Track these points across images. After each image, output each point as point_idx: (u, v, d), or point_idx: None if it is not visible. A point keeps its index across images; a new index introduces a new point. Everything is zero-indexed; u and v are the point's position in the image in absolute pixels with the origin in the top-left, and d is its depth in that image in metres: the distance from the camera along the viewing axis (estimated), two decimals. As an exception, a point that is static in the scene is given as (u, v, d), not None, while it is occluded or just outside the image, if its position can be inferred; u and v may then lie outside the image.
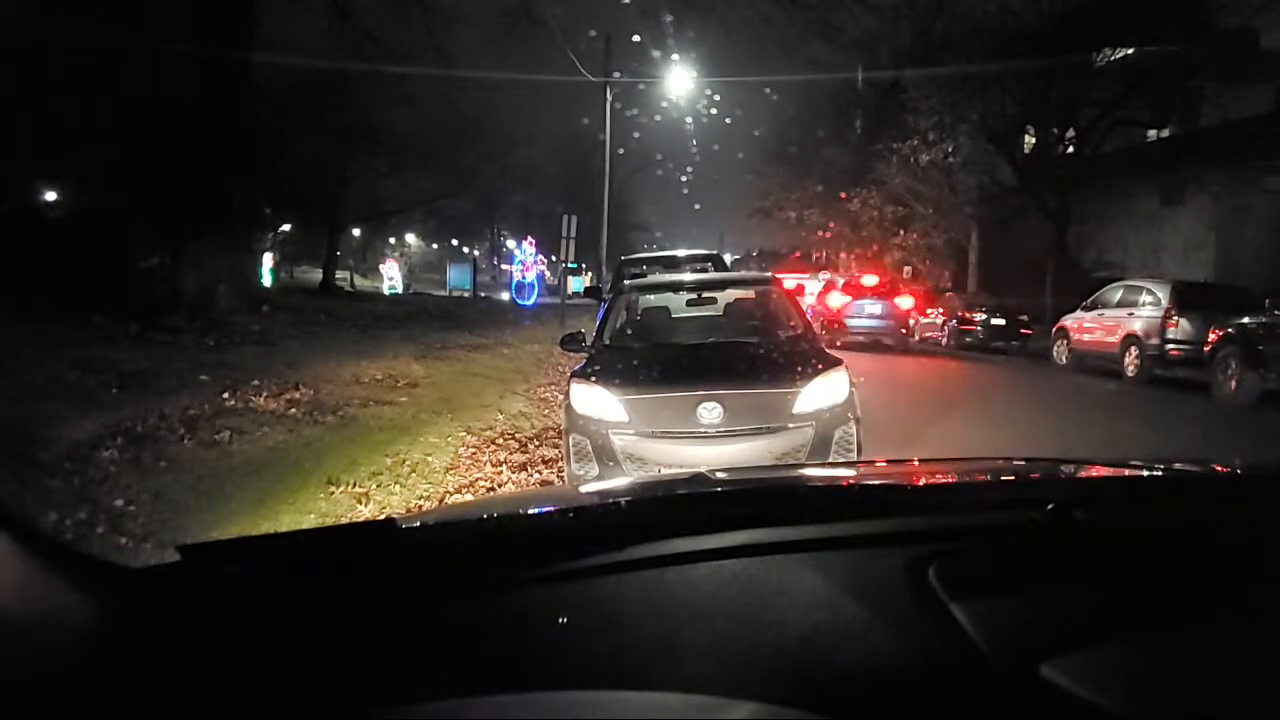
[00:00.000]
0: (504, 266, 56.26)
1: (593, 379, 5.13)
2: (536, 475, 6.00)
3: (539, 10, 19.10)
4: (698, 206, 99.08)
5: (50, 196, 15.99)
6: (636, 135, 42.44)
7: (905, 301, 19.03)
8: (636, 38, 25.85)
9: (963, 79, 20.78)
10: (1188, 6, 18.92)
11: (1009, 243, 25.45)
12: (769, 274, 7.77)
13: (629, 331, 6.58)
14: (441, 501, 5.28)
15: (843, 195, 29.93)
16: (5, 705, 0.84)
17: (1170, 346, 12.67)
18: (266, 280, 26.26)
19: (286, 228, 33.23)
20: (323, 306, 18.79)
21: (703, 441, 4.76)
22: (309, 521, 4.59)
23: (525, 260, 35.45)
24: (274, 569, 1.09)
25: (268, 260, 28.83)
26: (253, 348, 10.15)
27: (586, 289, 20.30)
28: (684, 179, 58.68)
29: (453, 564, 1.13)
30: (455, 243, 64.18)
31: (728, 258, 26.20)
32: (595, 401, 4.94)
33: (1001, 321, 19.07)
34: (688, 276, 9.38)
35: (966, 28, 21.62)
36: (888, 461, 2.68)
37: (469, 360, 12.00)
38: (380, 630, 0.99)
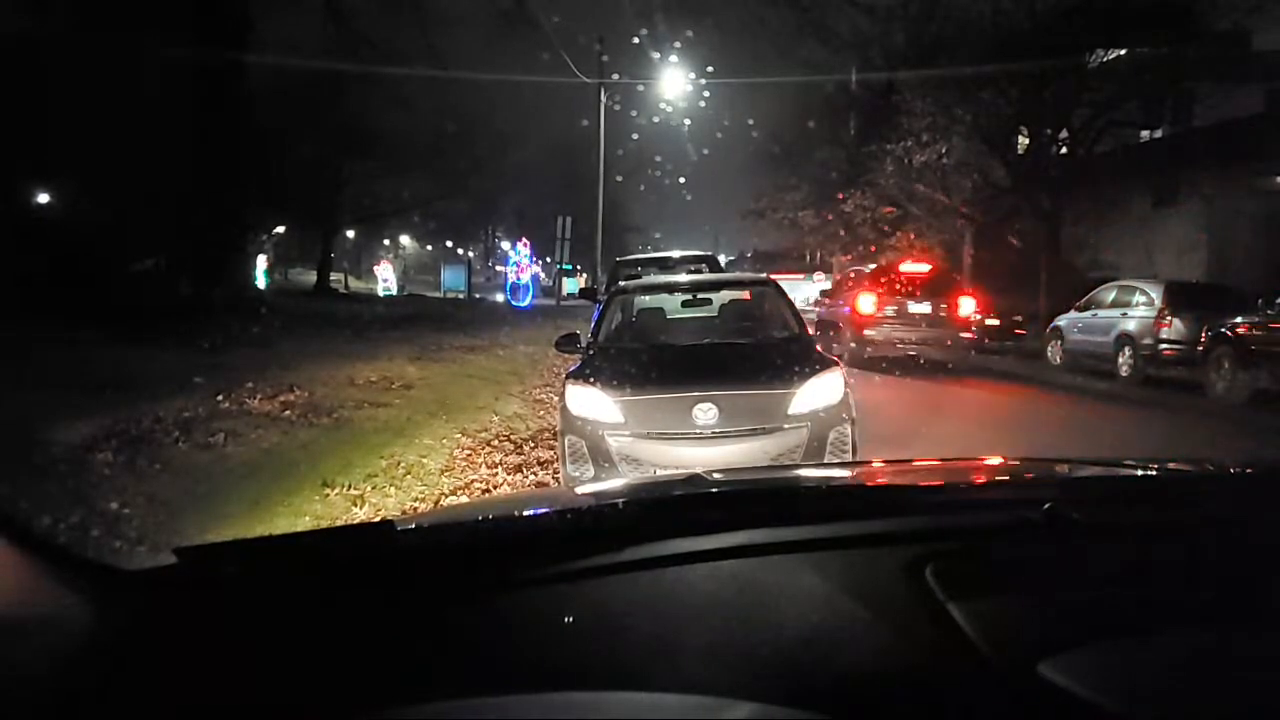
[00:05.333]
0: (499, 268, 56.20)
1: (588, 380, 5.12)
2: (532, 477, 5.99)
3: (533, 12, 19.17)
4: (692, 205, 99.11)
5: (43, 199, 15.93)
6: (635, 137, 42.50)
7: None
8: (636, 39, 25.95)
9: (956, 80, 20.80)
10: (1180, 8, 18.99)
11: (1003, 243, 25.50)
12: (764, 275, 7.76)
13: (624, 333, 6.57)
14: (437, 503, 5.27)
15: (839, 196, 29.97)
16: (4, 707, 0.84)
17: (1163, 346, 12.71)
18: (261, 282, 26.21)
19: (281, 230, 33.19)
20: (317, 308, 18.77)
21: (698, 442, 4.76)
22: (305, 524, 4.58)
23: (520, 262, 35.41)
24: (271, 571, 1.09)
25: (262, 262, 28.76)
26: (247, 350, 10.12)
27: (581, 290, 20.32)
28: (681, 180, 58.82)
29: (450, 566, 1.13)
30: (450, 244, 64.12)
31: (722, 259, 26.24)
32: (591, 403, 4.94)
33: (995, 322, 19.17)
34: (683, 278, 9.38)
35: (960, 29, 21.66)
36: (884, 462, 2.68)
37: (464, 362, 11.99)
38: (378, 631, 0.99)
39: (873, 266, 17.19)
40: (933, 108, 22.17)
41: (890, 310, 13.99)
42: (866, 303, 14.10)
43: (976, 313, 14.80)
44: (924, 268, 15.63)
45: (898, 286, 14.45)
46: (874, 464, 3.03)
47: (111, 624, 0.97)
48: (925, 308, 14.08)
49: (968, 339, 14.32)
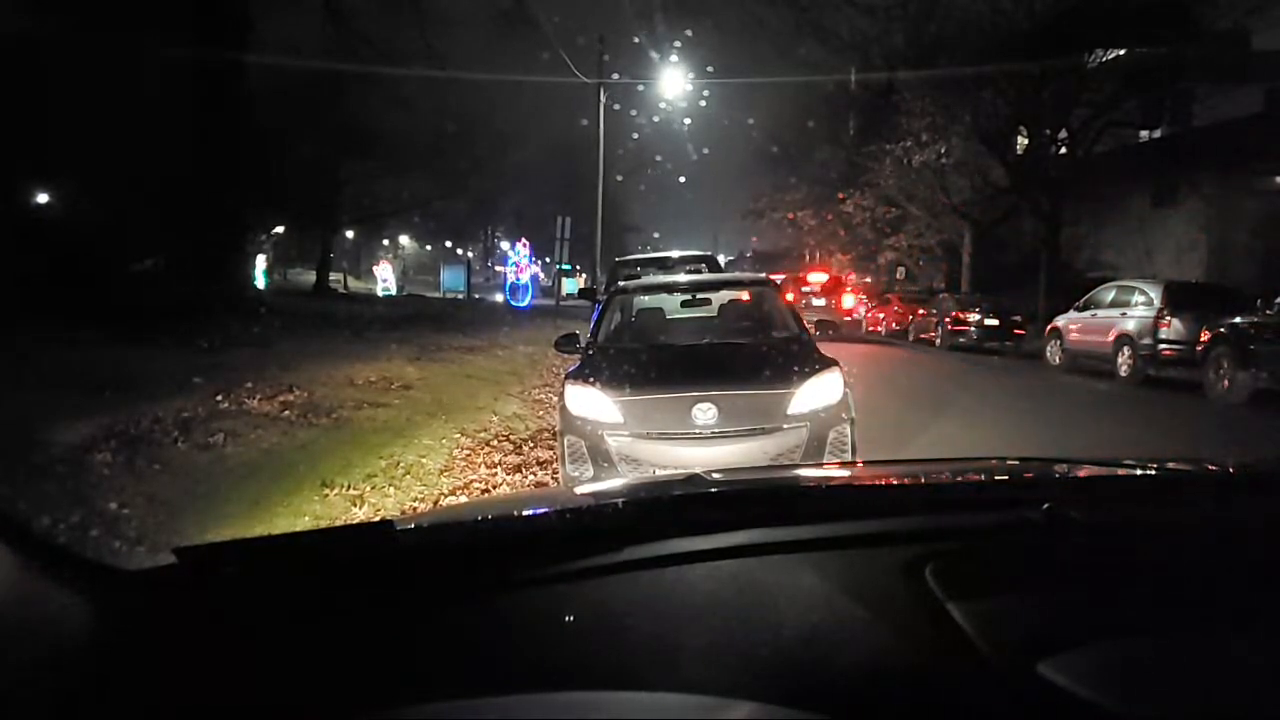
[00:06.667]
0: (498, 268, 56.20)
1: (587, 380, 5.12)
2: (531, 477, 5.99)
3: (533, 12, 19.19)
4: (692, 205, 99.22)
5: (43, 199, 15.93)
6: (635, 136, 42.58)
7: None
8: (636, 40, 25.97)
9: (955, 80, 20.84)
10: (1179, 8, 19.00)
11: (1002, 244, 25.54)
12: (763, 275, 7.76)
13: (623, 333, 6.57)
14: (436, 503, 5.27)
15: (840, 196, 30.00)
16: (4, 707, 0.84)
17: (1163, 346, 12.71)
18: (260, 282, 26.21)
19: (280, 230, 33.18)
20: (316, 308, 18.76)
21: (698, 442, 4.75)
22: (304, 524, 4.57)
23: (519, 262, 35.41)
24: (270, 571, 1.09)
25: (261, 262, 28.76)
26: (246, 350, 10.11)
27: (581, 291, 20.38)
28: (680, 180, 58.87)
29: (450, 566, 1.13)
30: (449, 244, 64.11)
31: (722, 259, 26.23)
32: (590, 403, 4.94)
33: (995, 322, 19.17)
34: (682, 278, 9.37)
35: (959, 29, 21.69)
36: (883, 462, 2.68)
37: (463, 362, 11.99)
38: (378, 632, 0.99)
39: (787, 276, 24.01)
40: (932, 108, 22.22)
41: (802, 304, 19.65)
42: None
43: (858, 307, 23.47)
44: (824, 276, 23.56)
45: (805, 288, 21.79)
46: (874, 464, 3.03)
47: (111, 624, 0.96)
48: (822, 302, 21.24)
49: (849, 321, 21.32)
